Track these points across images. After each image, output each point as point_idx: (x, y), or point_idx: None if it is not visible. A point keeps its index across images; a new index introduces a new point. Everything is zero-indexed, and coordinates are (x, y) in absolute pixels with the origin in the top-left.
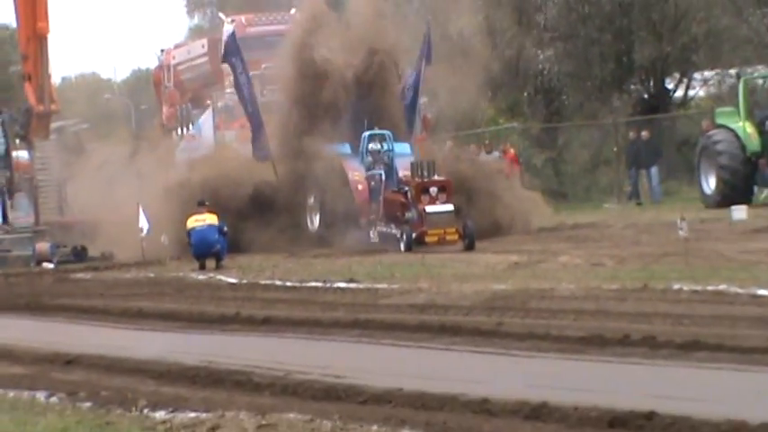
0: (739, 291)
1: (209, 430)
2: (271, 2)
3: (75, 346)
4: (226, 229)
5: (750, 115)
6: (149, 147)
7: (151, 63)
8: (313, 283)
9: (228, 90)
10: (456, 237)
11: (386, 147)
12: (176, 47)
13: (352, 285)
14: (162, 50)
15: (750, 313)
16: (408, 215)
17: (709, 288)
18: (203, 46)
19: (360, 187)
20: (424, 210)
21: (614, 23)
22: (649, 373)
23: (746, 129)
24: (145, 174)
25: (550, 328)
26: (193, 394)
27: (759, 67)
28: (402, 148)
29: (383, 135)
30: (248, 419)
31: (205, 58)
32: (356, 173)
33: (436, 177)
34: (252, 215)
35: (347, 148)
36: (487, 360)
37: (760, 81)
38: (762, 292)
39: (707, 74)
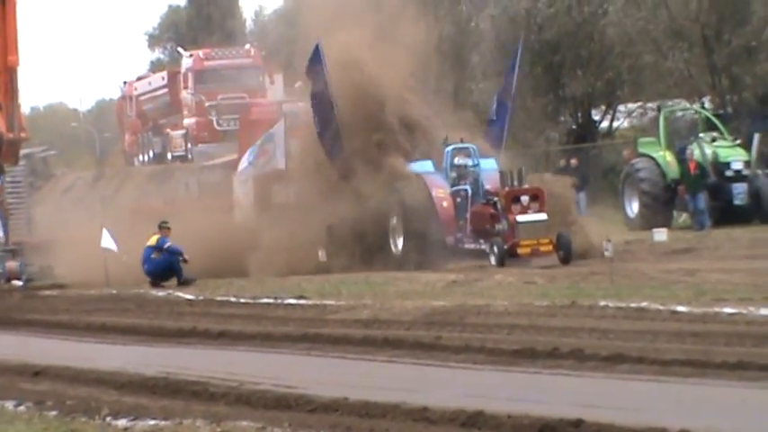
0: (660, 308)
1: None
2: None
3: (42, 359)
4: (184, 256)
5: (670, 145)
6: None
7: (114, 94)
8: (265, 300)
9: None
10: (550, 248)
11: (472, 161)
12: (138, 79)
13: (302, 302)
14: (124, 82)
15: (669, 328)
16: (498, 227)
17: (632, 305)
18: (163, 78)
19: (445, 204)
20: (516, 220)
21: (545, 59)
22: (577, 383)
23: (666, 157)
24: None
25: (486, 342)
26: (153, 403)
27: (678, 99)
28: (488, 163)
29: (468, 149)
30: (204, 427)
31: (165, 90)
32: (440, 190)
33: (527, 186)
34: (337, 240)
35: (429, 165)
36: (427, 371)
37: (679, 113)
38: (680, 308)
39: (630, 106)
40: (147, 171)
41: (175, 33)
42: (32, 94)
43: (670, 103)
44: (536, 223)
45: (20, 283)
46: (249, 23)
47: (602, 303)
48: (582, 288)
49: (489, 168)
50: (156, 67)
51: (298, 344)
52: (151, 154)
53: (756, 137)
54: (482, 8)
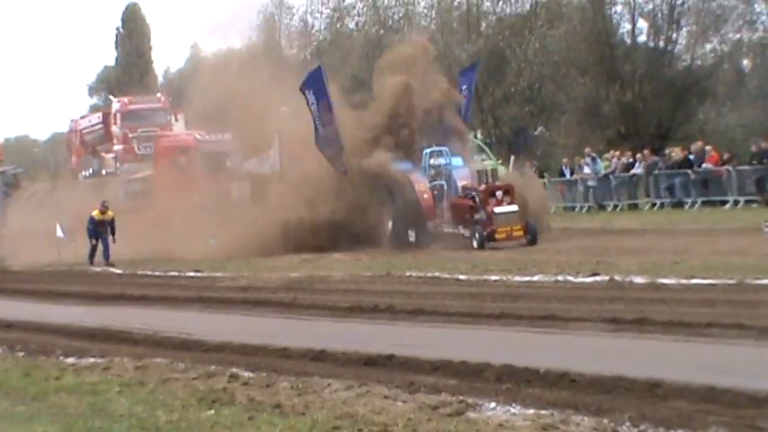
0: (447, 276)
1: (103, 369)
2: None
3: (13, 316)
4: (115, 223)
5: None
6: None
7: (64, 128)
8: (172, 273)
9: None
10: (522, 233)
11: (444, 161)
12: (81, 117)
13: (198, 274)
14: (72, 120)
15: (454, 290)
16: (477, 216)
17: (428, 274)
18: (99, 117)
19: (426, 196)
20: (493, 211)
21: None
22: (390, 330)
23: None
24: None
25: (327, 301)
26: (93, 347)
27: None
28: (457, 161)
29: (441, 151)
30: (129, 362)
31: (100, 125)
32: (421, 184)
33: (499, 183)
34: (335, 223)
35: (409, 164)
36: (286, 323)
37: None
38: (461, 277)
39: None
40: (88, 183)
41: (107, 85)
42: (6, 128)
43: None
44: (510, 213)
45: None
46: (160, 78)
47: (408, 273)
48: (395, 263)
49: (458, 166)
50: (94, 108)
51: (195, 304)
52: (91, 171)
53: (512, 159)
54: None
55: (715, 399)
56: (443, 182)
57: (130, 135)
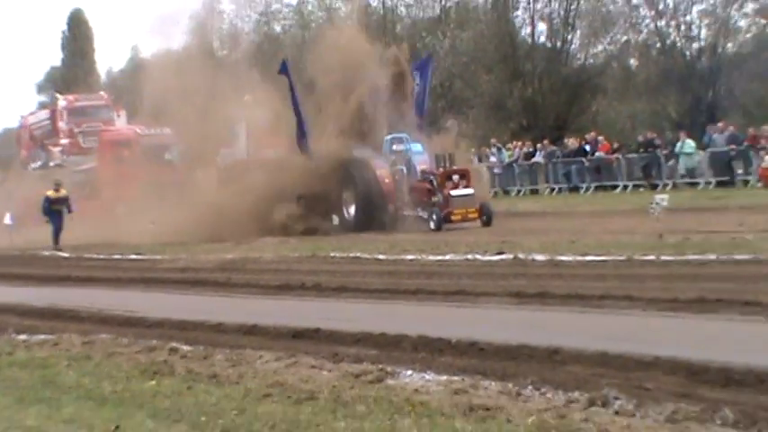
0: (367, 256)
1: (53, 345)
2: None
3: None
4: (70, 201)
5: None
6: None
7: (14, 123)
8: (116, 256)
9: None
10: (476, 215)
11: (405, 147)
12: (30, 114)
13: (140, 257)
14: (21, 116)
15: (374, 269)
16: (434, 199)
17: (350, 255)
18: (47, 113)
19: (387, 180)
20: (450, 194)
21: None
22: (317, 305)
23: None
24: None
25: (259, 280)
26: (43, 324)
27: None
28: (416, 147)
29: (401, 138)
30: (77, 338)
31: (48, 121)
32: (383, 169)
33: (456, 167)
34: (299, 205)
35: (369, 150)
36: (222, 301)
37: None
38: (380, 256)
39: None
40: (36, 174)
41: (54, 84)
42: None
43: None
44: (466, 197)
45: None
46: (103, 78)
47: (332, 254)
48: (320, 245)
49: (417, 152)
50: (42, 106)
51: (137, 284)
52: (39, 163)
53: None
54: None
55: (607, 363)
56: (403, 167)
57: (76, 130)
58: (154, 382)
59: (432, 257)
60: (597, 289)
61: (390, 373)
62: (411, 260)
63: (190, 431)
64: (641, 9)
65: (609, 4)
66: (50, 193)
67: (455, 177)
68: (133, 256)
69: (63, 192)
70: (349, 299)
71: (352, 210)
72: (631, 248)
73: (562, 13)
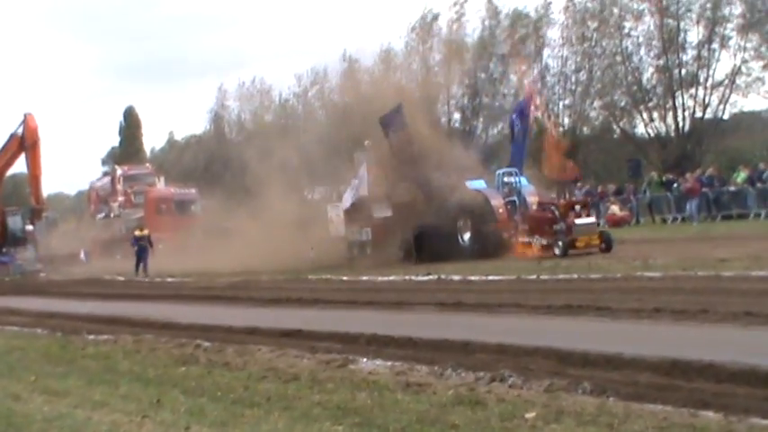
0: (334, 278)
1: (113, 342)
2: (138, 161)
3: (53, 309)
4: (151, 239)
5: None
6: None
7: (85, 186)
8: (157, 279)
9: None
10: (599, 242)
11: (514, 180)
12: (97, 180)
13: (173, 279)
14: (90, 182)
15: (340, 287)
16: (557, 227)
17: (323, 276)
18: (109, 179)
19: (501, 211)
20: (574, 222)
21: None
22: (299, 313)
23: None
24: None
25: (256, 296)
26: (106, 328)
27: None
28: (523, 180)
29: (512, 171)
30: (129, 338)
31: (110, 184)
32: (497, 200)
33: (576, 198)
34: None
35: (483, 183)
36: (231, 310)
37: None
38: (344, 278)
39: None
40: (101, 222)
41: (113, 158)
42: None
43: None
44: (589, 225)
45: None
46: (148, 153)
47: (310, 276)
48: (300, 270)
49: (525, 185)
50: (105, 173)
51: (172, 298)
52: (103, 215)
53: None
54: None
55: (503, 351)
56: (515, 198)
57: (129, 191)
58: (184, 368)
59: (380, 278)
60: (496, 299)
61: (351, 361)
62: (365, 280)
63: (210, 402)
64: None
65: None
66: (137, 232)
67: (577, 207)
68: (170, 280)
69: (146, 231)
70: (321, 308)
71: (467, 237)
72: (520, 271)
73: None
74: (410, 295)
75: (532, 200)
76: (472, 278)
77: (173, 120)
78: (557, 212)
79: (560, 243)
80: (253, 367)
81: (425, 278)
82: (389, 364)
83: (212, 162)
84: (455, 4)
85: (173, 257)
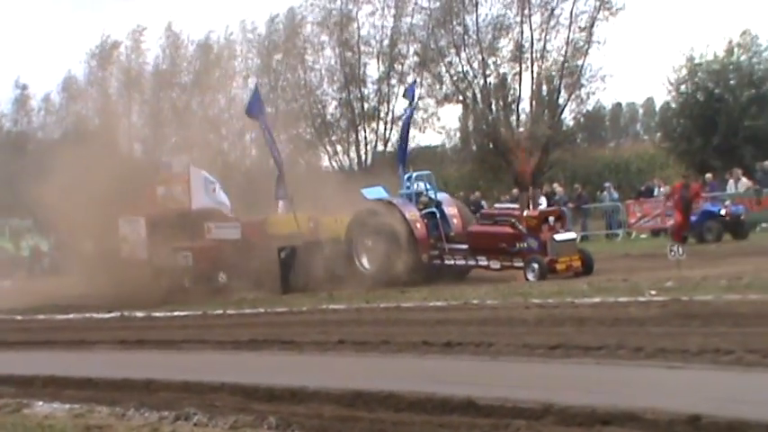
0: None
1: None
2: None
3: None
4: None
5: None
6: None
7: None
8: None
9: None
10: (579, 263)
11: (428, 187)
12: None
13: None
14: None
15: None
16: (521, 246)
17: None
18: None
19: (419, 225)
20: (552, 238)
21: None
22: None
23: None
24: None
25: None
26: None
27: None
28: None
29: (423, 175)
30: None
31: None
32: (412, 213)
33: (547, 208)
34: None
35: (382, 191)
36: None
37: None
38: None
39: None
40: None
41: None
42: None
43: None
44: (569, 242)
45: None
46: None
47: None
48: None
49: (442, 194)
50: None
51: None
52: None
53: None
54: None
55: (188, 389)
56: (435, 209)
57: None
58: None
59: (59, 316)
60: (181, 335)
61: (26, 405)
62: (42, 318)
63: None
64: None
65: None
66: None
67: (551, 219)
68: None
69: None
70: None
71: (367, 260)
72: (206, 306)
73: None
74: (90, 334)
75: (451, 212)
76: (157, 314)
77: None
78: (519, 226)
79: (535, 265)
80: None
81: (107, 315)
82: (67, 406)
83: None
84: (134, 31)
85: None
